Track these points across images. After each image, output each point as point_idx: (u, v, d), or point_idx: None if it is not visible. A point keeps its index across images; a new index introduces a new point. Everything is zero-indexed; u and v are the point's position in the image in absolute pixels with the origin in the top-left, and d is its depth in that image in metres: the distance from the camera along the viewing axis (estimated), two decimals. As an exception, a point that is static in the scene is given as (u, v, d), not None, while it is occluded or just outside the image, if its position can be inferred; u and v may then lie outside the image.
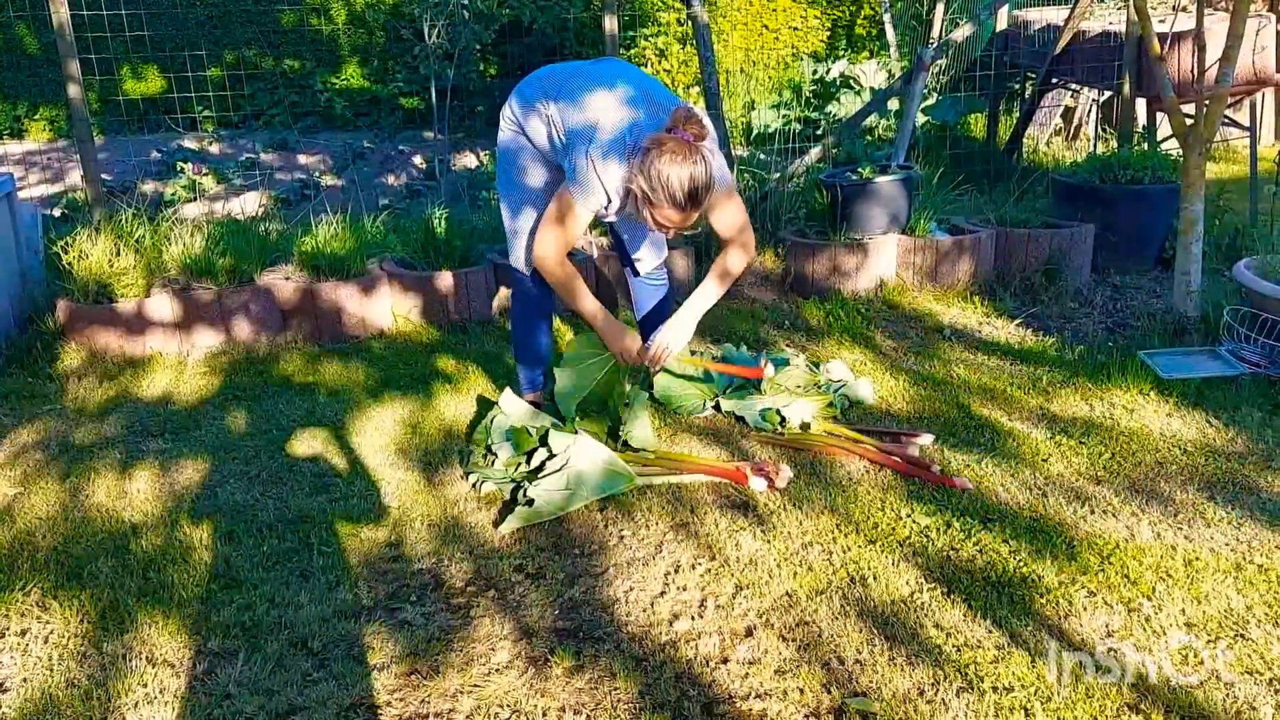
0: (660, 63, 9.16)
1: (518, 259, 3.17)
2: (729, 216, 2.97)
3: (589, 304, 3.00)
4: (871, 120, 6.78)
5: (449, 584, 2.46)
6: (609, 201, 2.80)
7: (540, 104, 2.93)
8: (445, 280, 4.39)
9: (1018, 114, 7.20)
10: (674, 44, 9.19)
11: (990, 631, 2.19)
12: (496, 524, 2.73)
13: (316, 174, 7.63)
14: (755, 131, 8.00)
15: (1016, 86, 7.57)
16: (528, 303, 3.29)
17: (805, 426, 3.17)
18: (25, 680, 2.13)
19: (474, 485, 2.92)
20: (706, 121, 2.69)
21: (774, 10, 9.74)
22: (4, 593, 2.43)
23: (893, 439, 3.10)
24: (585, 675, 2.11)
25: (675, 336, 3.06)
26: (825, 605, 2.31)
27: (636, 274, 3.42)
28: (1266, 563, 2.41)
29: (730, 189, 2.94)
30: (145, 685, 2.10)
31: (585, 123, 2.80)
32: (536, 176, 3.05)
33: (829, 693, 2.03)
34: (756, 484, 2.84)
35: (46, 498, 2.94)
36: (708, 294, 3.08)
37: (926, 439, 3.08)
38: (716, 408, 3.42)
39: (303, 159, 8.15)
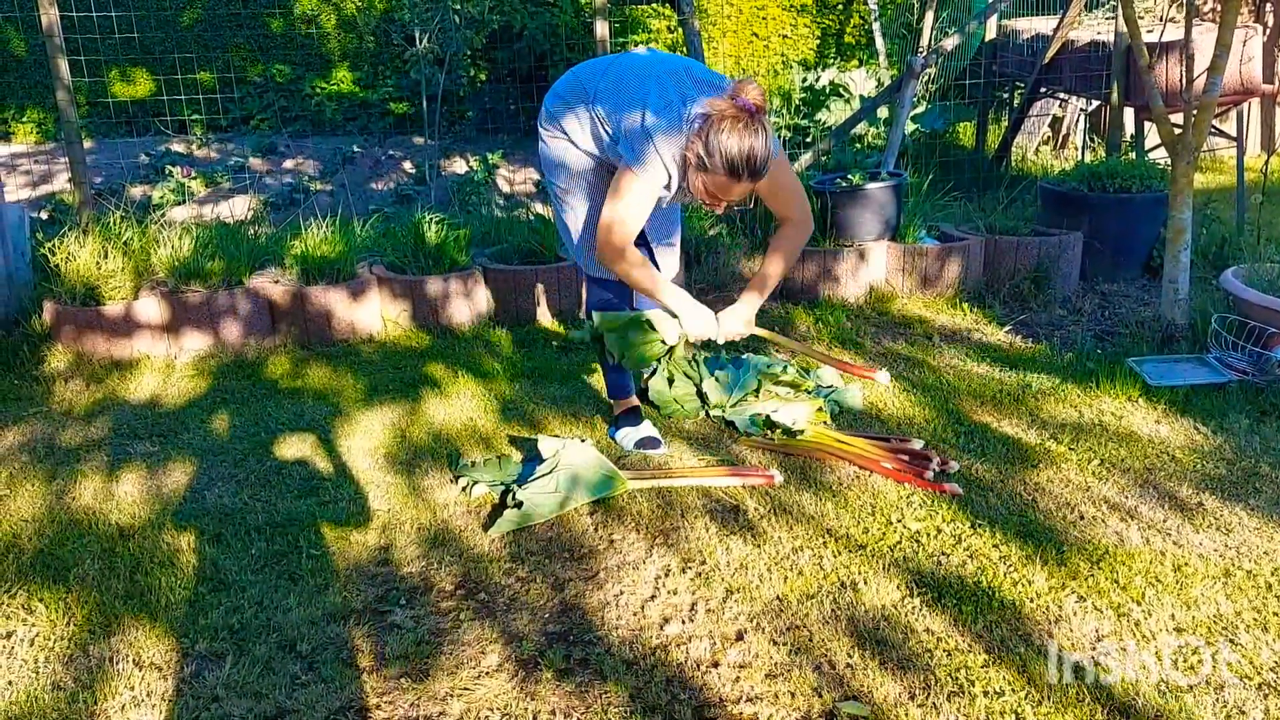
0: (651, 69, 9.14)
1: (586, 262, 3.05)
2: (784, 188, 2.85)
3: (668, 290, 2.87)
4: (861, 128, 6.81)
5: (438, 587, 2.45)
6: (669, 177, 2.67)
7: (580, 100, 2.82)
8: (435, 285, 4.38)
9: (1006, 123, 7.24)
10: (664, 51, 9.19)
11: (981, 636, 2.19)
12: (486, 527, 2.72)
13: (306, 178, 7.61)
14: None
15: (1005, 95, 7.62)
16: (606, 310, 3.12)
17: (795, 432, 3.17)
18: (10, 684, 2.11)
19: (464, 488, 2.91)
20: (764, 93, 2.57)
21: (764, 18, 9.76)
22: (-11, 595, 2.41)
23: (882, 444, 3.10)
24: (575, 679, 2.10)
25: (732, 325, 2.95)
26: (816, 609, 2.31)
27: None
28: (1255, 568, 2.42)
29: (782, 160, 2.80)
30: (132, 688, 2.09)
31: (634, 102, 2.68)
32: (587, 178, 2.92)
33: (820, 696, 2.03)
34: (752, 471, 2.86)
35: (33, 500, 2.92)
36: (768, 278, 2.96)
37: (916, 445, 3.09)
38: (707, 412, 3.41)
39: (291, 163, 8.12)
